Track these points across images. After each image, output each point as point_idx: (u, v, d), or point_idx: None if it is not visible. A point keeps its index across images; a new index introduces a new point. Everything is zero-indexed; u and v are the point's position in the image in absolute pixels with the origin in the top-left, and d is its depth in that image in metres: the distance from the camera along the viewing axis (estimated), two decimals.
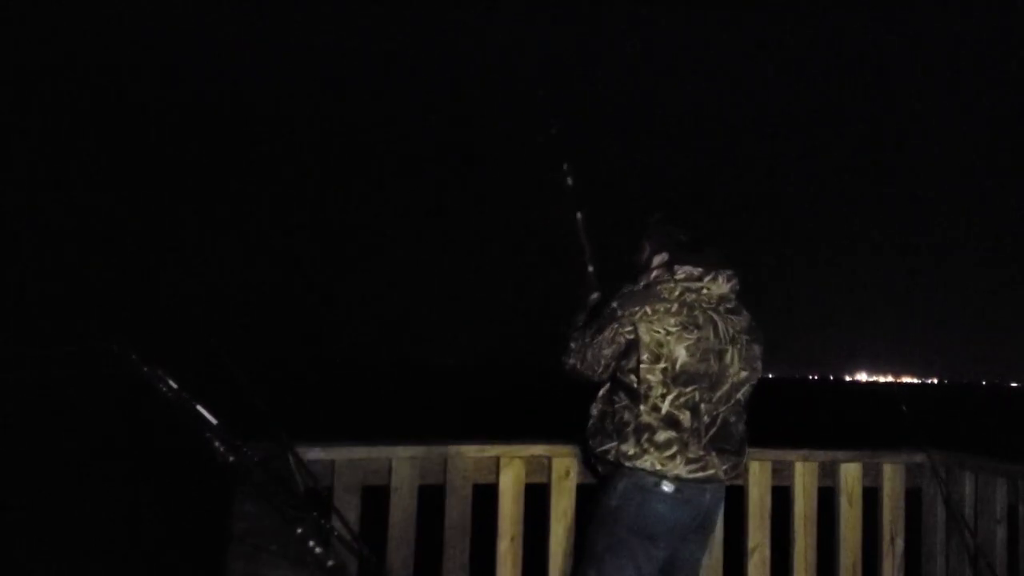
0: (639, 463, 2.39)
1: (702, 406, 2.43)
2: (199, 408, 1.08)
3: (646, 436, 2.40)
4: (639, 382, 2.42)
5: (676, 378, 2.41)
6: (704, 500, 2.46)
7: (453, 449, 2.71)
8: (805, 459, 3.01)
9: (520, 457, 2.76)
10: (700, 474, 2.41)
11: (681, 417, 2.41)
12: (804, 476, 2.99)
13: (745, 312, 2.59)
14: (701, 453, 2.42)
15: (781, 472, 2.98)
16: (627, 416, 2.44)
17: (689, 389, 2.42)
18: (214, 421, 1.08)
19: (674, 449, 2.39)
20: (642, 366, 2.41)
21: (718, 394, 2.47)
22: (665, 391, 2.41)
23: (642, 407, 2.42)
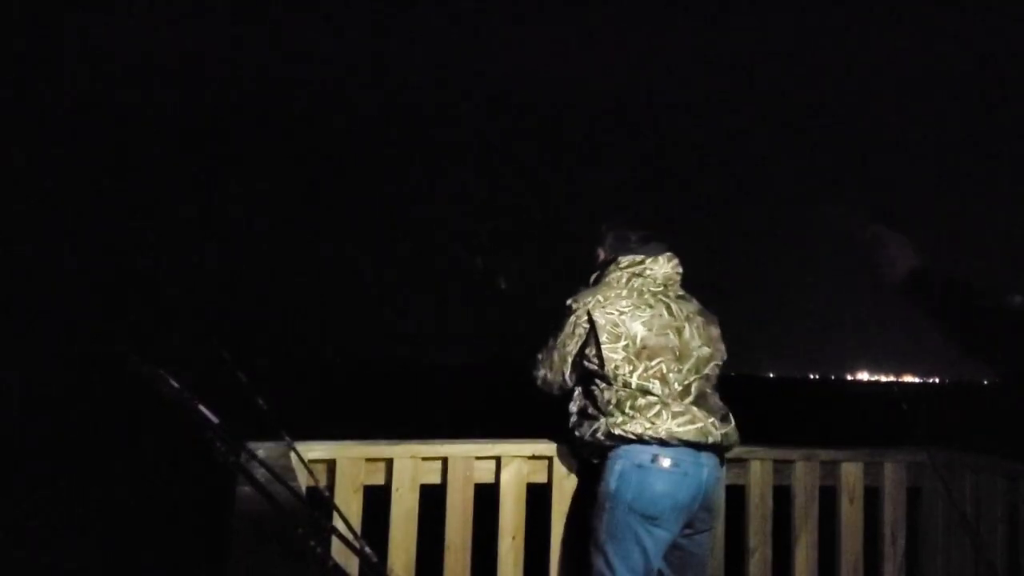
0: (629, 427, 2.46)
1: (671, 375, 2.53)
2: (200, 407, 1.08)
3: (628, 404, 2.49)
4: (605, 363, 2.52)
5: (639, 353, 2.52)
6: (702, 476, 2.49)
7: (454, 448, 2.72)
8: (806, 458, 3.01)
9: (521, 456, 2.77)
10: (691, 426, 2.47)
11: (651, 386, 2.51)
12: (805, 475, 2.99)
13: (694, 299, 2.72)
14: (684, 408, 2.50)
15: (782, 471, 2.99)
16: (606, 395, 2.53)
17: (655, 362, 2.52)
18: (215, 420, 1.08)
19: (656, 408, 2.48)
20: (603, 347, 2.52)
21: (687, 365, 2.56)
22: (632, 367, 2.51)
23: (615, 385, 2.52)
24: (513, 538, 2.74)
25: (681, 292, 2.71)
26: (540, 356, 2.68)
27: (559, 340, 2.62)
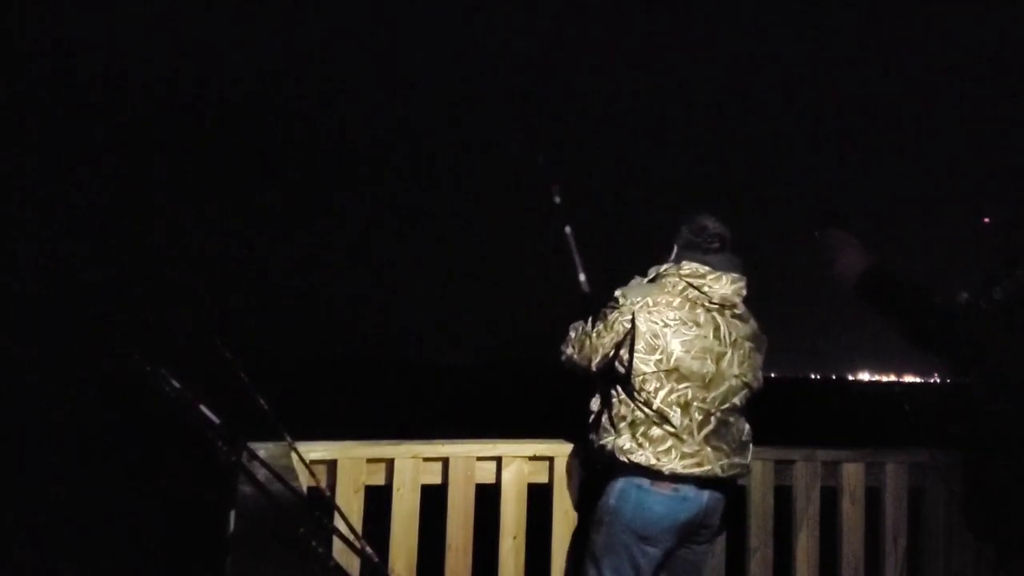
0: (635, 458, 2.40)
1: (694, 404, 2.43)
2: (201, 407, 1.08)
3: (641, 431, 2.42)
4: (633, 373, 2.43)
5: (669, 372, 2.42)
6: (703, 499, 2.45)
7: (455, 448, 2.71)
8: (807, 459, 3.00)
9: (522, 457, 2.77)
10: (696, 470, 2.40)
11: (671, 414, 2.41)
12: (806, 476, 2.99)
13: (752, 321, 2.59)
14: (696, 448, 2.42)
15: (783, 472, 2.98)
16: (623, 410, 2.45)
17: (682, 386, 2.43)
18: (216, 420, 1.08)
19: (668, 444, 2.40)
20: (636, 355, 2.42)
21: (713, 394, 2.46)
22: (658, 385, 2.41)
23: (635, 401, 2.43)
24: (514, 538, 2.73)
25: (740, 311, 2.55)
26: (573, 335, 2.59)
27: (596, 329, 2.51)
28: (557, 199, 2.80)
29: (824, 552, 2.99)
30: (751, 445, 2.57)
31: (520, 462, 2.76)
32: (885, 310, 1.87)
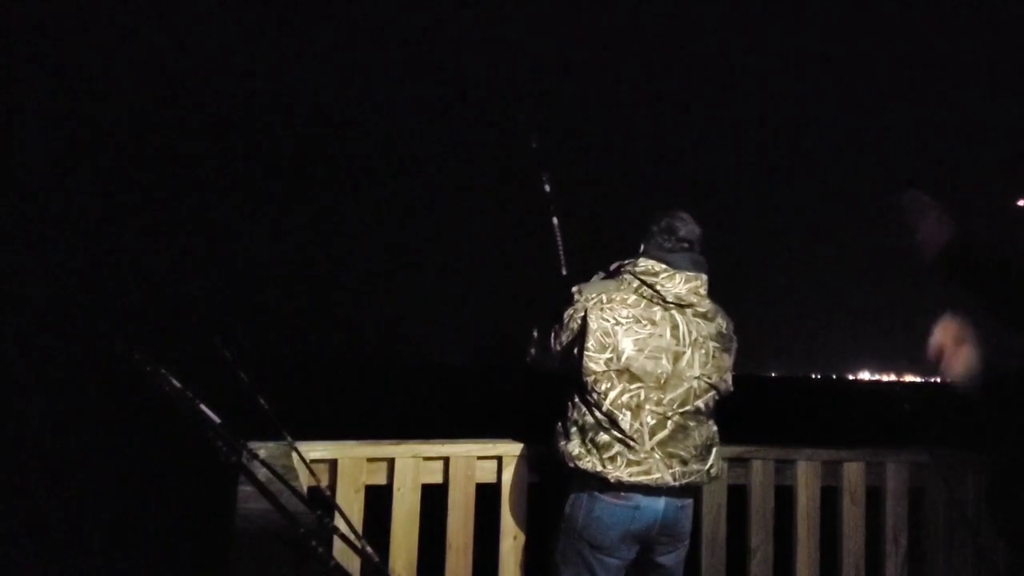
0: (582, 464, 2.35)
1: (646, 407, 2.35)
2: (202, 407, 1.08)
3: (589, 436, 2.36)
4: (584, 373, 2.37)
5: (621, 372, 2.35)
6: (658, 507, 2.37)
7: (455, 448, 2.71)
8: (808, 458, 3.00)
9: (523, 456, 2.77)
10: (643, 478, 2.32)
11: (620, 417, 2.34)
12: (807, 475, 2.99)
13: (720, 320, 2.51)
14: (643, 456, 2.33)
15: (784, 471, 2.98)
16: (575, 414, 2.40)
17: (634, 387, 2.35)
18: (217, 420, 1.08)
19: (615, 450, 2.32)
20: (586, 354, 2.36)
21: (671, 396, 2.38)
22: (609, 385, 2.35)
23: (586, 403, 2.38)
24: (515, 538, 2.73)
25: (704, 309, 2.46)
26: (535, 335, 2.57)
27: (555, 327, 2.46)
28: (547, 188, 2.72)
29: (824, 552, 3.00)
30: (716, 449, 2.48)
31: (521, 462, 2.76)
32: (973, 280, 1.71)
